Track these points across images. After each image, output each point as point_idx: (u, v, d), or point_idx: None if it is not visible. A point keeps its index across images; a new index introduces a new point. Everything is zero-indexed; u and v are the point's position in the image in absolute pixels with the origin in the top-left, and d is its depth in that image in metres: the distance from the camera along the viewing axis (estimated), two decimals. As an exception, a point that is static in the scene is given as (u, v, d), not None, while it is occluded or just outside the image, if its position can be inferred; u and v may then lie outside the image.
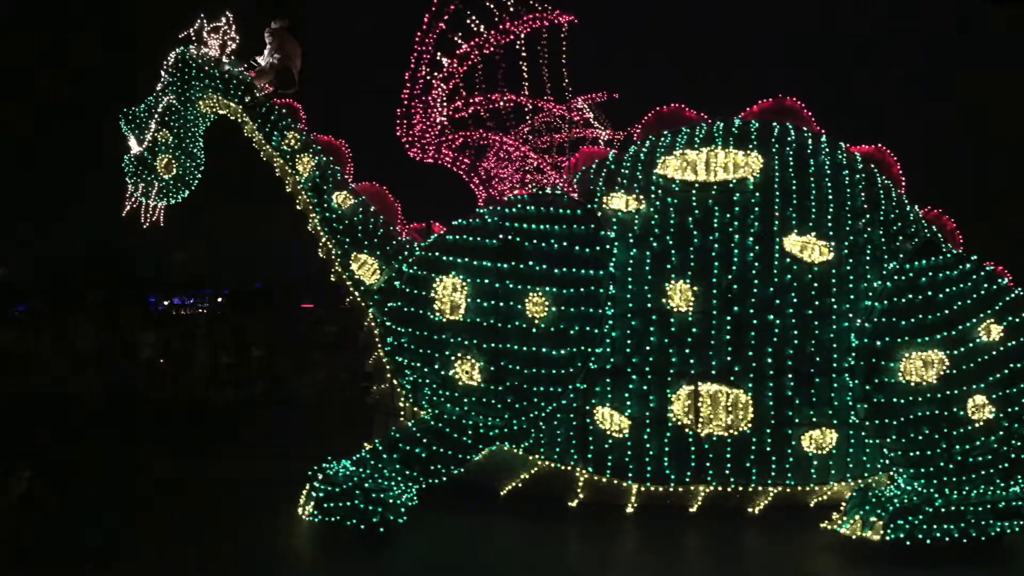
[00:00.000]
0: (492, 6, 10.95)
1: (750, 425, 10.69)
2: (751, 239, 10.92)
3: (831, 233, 11.04)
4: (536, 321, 10.69)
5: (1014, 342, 10.54)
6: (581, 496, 11.27)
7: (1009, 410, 10.34)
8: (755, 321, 10.74)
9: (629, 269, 10.95)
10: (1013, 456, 10.38)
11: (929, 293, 10.62)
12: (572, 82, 11.10)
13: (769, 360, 10.70)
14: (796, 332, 10.76)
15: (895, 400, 10.37)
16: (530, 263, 10.82)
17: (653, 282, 10.88)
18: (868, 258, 11.07)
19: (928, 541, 9.90)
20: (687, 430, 10.73)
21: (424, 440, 10.80)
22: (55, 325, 24.26)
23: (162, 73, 11.60)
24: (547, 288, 10.75)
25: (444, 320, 10.88)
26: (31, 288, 34.44)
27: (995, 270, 11.04)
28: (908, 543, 9.88)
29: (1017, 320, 10.65)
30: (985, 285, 10.78)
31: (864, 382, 10.55)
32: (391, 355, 11.27)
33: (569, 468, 11.06)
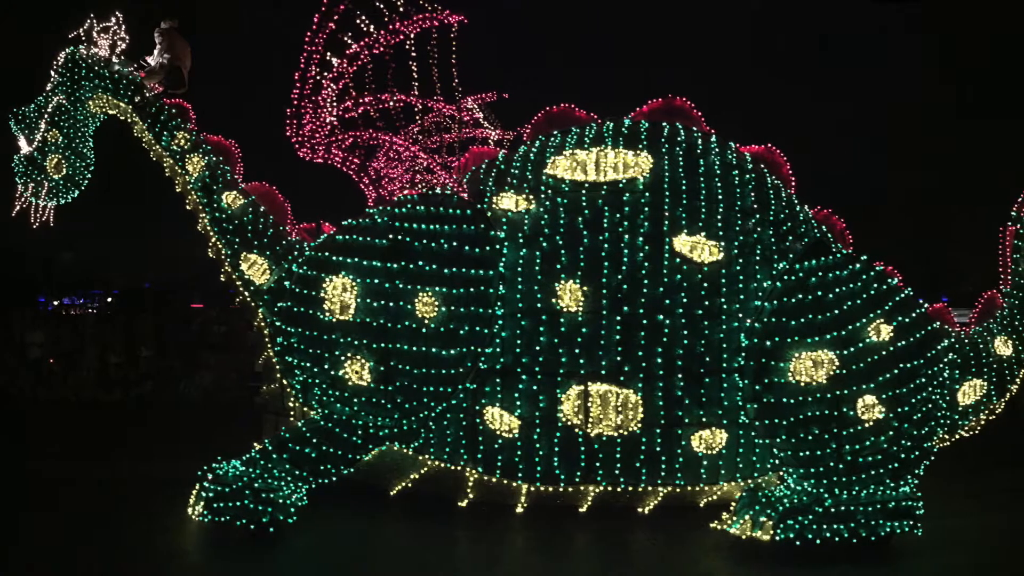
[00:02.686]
0: (382, 6, 10.93)
1: (640, 425, 10.66)
2: (641, 239, 10.90)
3: (721, 233, 11.04)
4: (426, 321, 10.66)
5: (903, 342, 10.58)
6: (471, 496, 11.24)
7: (898, 410, 10.36)
8: (645, 321, 10.72)
9: (519, 269, 10.93)
10: (902, 456, 10.41)
11: (819, 293, 10.63)
12: (462, 82, 11.10)
13: (659, 360, 10.68)
14: (686, 332, 10.74)
15: (785, 400, 10.36)
16: (420, 263, 10.78)
17: (543, 282, 10.85)
18: (758, 258, 11.07)
19: (818, 541, 9.92)
20: (577, 430, 10.69)
21: (314, 440, 10.76)
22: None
23: (52, 73, 11.51)
24: (437, 288, 10.71)
25: (334, 320, 10.82)
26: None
27: (885, 270, 11.09)
28: (798, 543, 9.89)
29: (906, 320, 10.70)
30: (875, 285, 10.82)
31: (754, 382, 10.53)
32: (281, 355, 11.19)
33: (459, 468, 11.02)
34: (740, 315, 10.85)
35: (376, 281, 10.77)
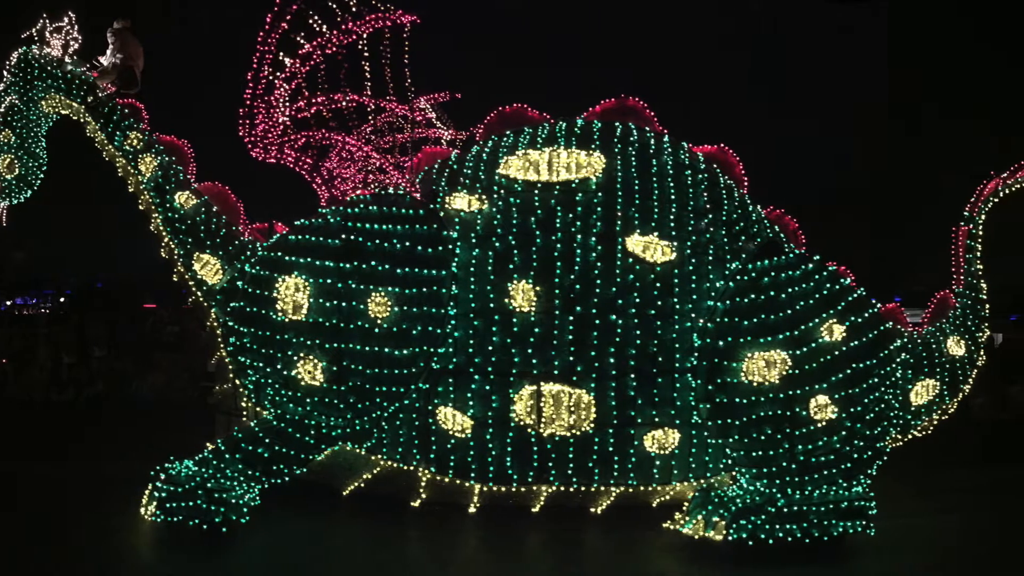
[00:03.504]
0: (335, 6, 10.93)
1: (592, 425, 10.65)
2: (594, 239, 10.92)
3: (673, 233, 11.07)
4: (378, 321, 10.64)
5: (856, 342, 10.62)
6: (423, 496, 11.21)
7: (851, 410, 10.40)
8: (598, 321, 10.71)
9: (471, 269, 10.92)
10: (855, 456, 10.45)
11: (771, 293, 10.66)
12: (415, 82, 11.06)
13: (611, 360, 10.67)
14: (638, 332, 10.74)
15: (737, 400, 10.38)
16: (372, 263, 10.76)
17: (495, 282, 10.84)
18: (710, 258, 11.10)
19: (770, 541, 9.93)
20: (529, 430, 10.69)
21: (266, 440, 10.72)
22: None
23: (4, 73, 11.48)
24: (389, 288, 10.70)
25: (286, 320, 10.79)
26: None
27: (837, 270, 11.13)
28: (750, 543, 9.90)
29: (859, 320, 10.73)
30: (827, 285, 10.85)
31: (706, 382, 10.55)
32: (233, 355, 11.17)
33: (411, 468, 11.01)
34: (693, 315, 10.85)
35: (329, 281, 10.74)
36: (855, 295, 10.94)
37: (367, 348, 10.63)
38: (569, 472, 10.75)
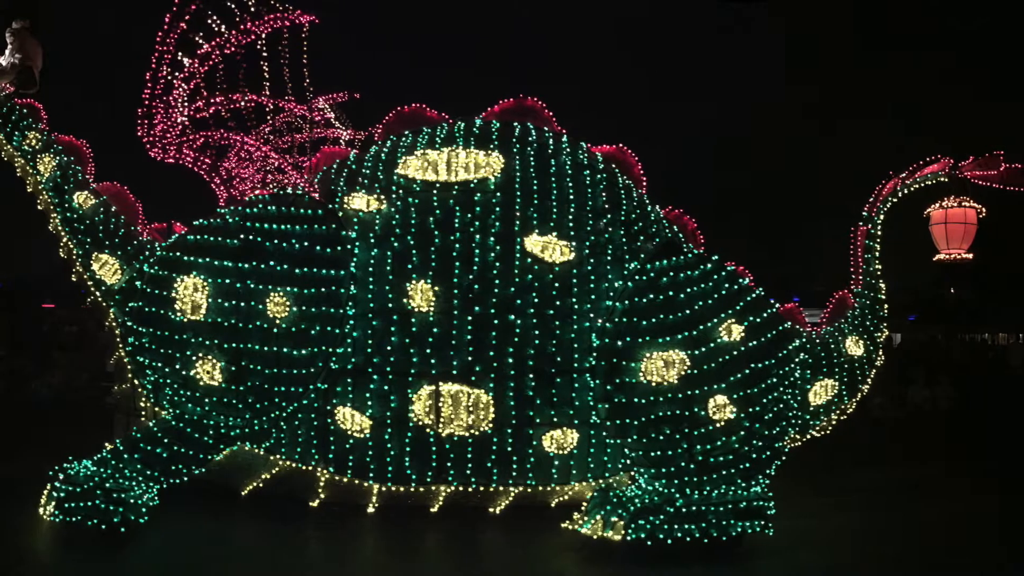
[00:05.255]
0: (233, 6, 10.93)
1: (491, 425, 10.64)
2: (492, 239, 10.91)
3: (572, 233, 11.07)
4: (277, 321, 10.62)
5: (755, 342, 10.61)
6: (322, 496, 11.18)
7: (750, 410, 10.38)
8: (496, 321, 10.70)
9: (370, 269, 10.90)
10: (754, 456, 10.42)
11: (670, 293, 10.63)
12: (313, 82, 11.10)
13: (510, 360, 10.66)
14: (537, 332, 10.73)
15: (636, 400, 10.34)
16: (271, 263, 10.74)
17: (394, 282, 10.83)
18: (609, 258, 11.09)
19: (669, 541, 9.86)
20: (428, 430, 10.67)
21: (165, 440, 10.69)
22: None
23: (-100, 75, 11.47)
24: (288, 288, 10.68)
25: (185, 320, 10.76)
26: None
27: (736, 270, 11.12)
28: (649, 543, 9.83)
29: (758, 320, 10.73)
30: (726, 285, 10.83)
31: (605, 382, 10.50)
32: (132, 355, 11.13)
33: (310, 468, 10.98)
34: (591, 315, 10.84)
35: (227, 281, 10.72)
36: (754, 295, 10.97)
37: (266, 348, 10.60)
38: (468, 472, 10.74)
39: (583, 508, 10.47)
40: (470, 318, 10.72)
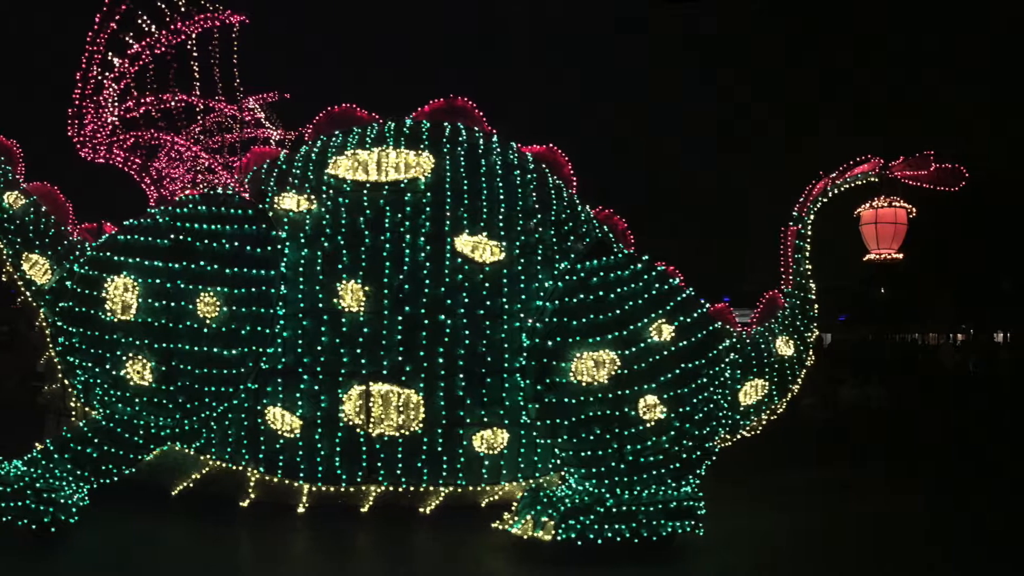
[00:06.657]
0: (163, 6, 10.93)
1: (421, 425, 10.66)
2: (422, 239, 10.94)
3: (502, 233, 11.11)
4: (207, 321, 10.61)
5: (685, 342, 10.66)
6: (253, 496, 11.18)
7: (680, 410, 10.43)
8: (426, 321, 10.72)
9: (300, 269, 10.92)
10: (684, 456, 10.47)
11: (600, 293, 10.67)
12: (243, 82, 11.11)
13: (440, 360, 10.69)
14: (467, 332, 10.76)
15: (566, 400, 10.37)
16: (201, 263, 10.73)
17: (324, 282, 10.84)
18: (539, 258, 11.13)
19: (599, 541, 9.87)
20: (358, 430, 10.69)
21: (95, 440, 10.67)
22: None
23: None
24: (218, 288, 10.67)
25: (115, 320, 10.74)
26: None
27: (666, 270, 11.18)
28: (579, 543, 9.84)
29: (688, 320, 10.79)
30: (656, 285, 10.89)
31: (535, 382, 10.54)
32: (62, 355, 11.10)
33: (241, 468, 11.00)
34: (522, 315, 10.88)
35: (157, 281, 10.70)
36: (684, 295, 11.01)
37: (196, 348, 10.60)
38: (398, 472, 10.76)
39: (513, 508, 10.48)
40: (400, 318, 10.75)
